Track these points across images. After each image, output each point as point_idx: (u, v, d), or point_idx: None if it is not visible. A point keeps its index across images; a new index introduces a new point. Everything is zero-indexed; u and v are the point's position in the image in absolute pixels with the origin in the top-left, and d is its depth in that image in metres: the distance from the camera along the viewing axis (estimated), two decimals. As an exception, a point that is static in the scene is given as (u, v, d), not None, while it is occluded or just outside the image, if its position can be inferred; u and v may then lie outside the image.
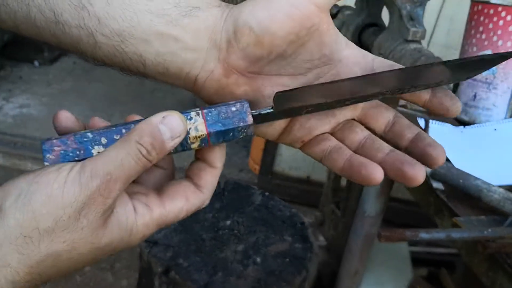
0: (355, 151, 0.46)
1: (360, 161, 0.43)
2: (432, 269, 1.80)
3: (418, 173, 0.42)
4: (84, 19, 0.43)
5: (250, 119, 0.44)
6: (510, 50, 1.34)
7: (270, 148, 2.36)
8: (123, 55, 0.44)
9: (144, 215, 0.42)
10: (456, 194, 1.11)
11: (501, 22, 1.34)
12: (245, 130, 0.44)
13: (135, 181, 0.45)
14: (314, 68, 0.46)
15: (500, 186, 1.11)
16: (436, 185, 1.13)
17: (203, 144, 0.43)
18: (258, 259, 1.08)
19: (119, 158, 0.40)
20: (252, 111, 0.44)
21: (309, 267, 1.09)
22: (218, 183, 1.26)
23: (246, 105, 0.44)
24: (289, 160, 2.38)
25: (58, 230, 0.38)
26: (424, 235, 0.88)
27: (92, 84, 3.18)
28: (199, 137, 0.43)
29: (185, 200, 0.45)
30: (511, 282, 0.93)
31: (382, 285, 1.69)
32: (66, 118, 0.46)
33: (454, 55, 1.81)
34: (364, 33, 1.55)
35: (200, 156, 0.46)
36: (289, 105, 0.44)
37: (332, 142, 0.46)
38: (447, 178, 1.12)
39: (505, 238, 0.93)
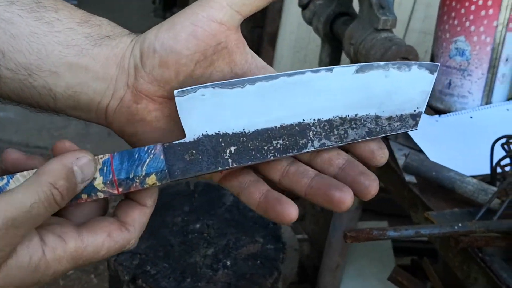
0: (279, 180, 0.44)
1: (275, 196, 0.42)
2: (415, 258, 1.78)
3: (345, 196, 0.40)
4: None
5: (158, 145, 0.42)
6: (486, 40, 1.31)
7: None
8: (31, 90, 0.42)
9: (56, 248, 0.39)
10: (429, 186, 1.09)
11: (473, 7, 1.31)
12: (152, 152, 0.41)
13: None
14: None
15: (476, 176, 1.09)
16: (409, 178, 1.11)
17: (105, 169, 0.40)
18: (229, 263, 1.05)
19: (28, 202, 0.36)
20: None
21: (281, 268, 1.06)
22: (188, 184, 1.23)
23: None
24: (270, 154, 2.35)
25: None
26: (391, 233, 0.85)
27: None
28: (101, 158, 0.40)
29: (106, 235, 0.41)
30: (485, 276, 0.91)
31: (364, 277, 1.67)
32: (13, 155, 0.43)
33: (431, 41, 1.77)
34: (335, 23, 1.52)
35: (129, 194, 0.44)
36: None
37: (252, 176, 0.45)
38: (420, 170, 1.09)
39: (476, 232, 0.90)
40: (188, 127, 0.42)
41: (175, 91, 0.42)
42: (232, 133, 0.42)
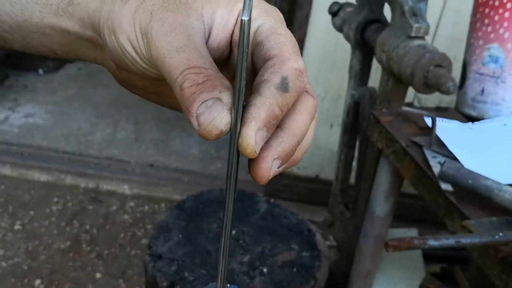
0: None
1: None
2: (445, 266, 1.77)
3: None
4: None
5: None
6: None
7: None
8: (34, 47, 0.43)
9: None
10: (466, 195, 1.09)
11: (507, 14, 1.30)
12: None
13: None
14: None
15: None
16: (445, 186, 1.10)
17: None
18: (265, 270, 1.06)
19: None
20: None
21: (318, 275, 1.06)
22: (222, 190, 1.24)
23: None
24: (297, 159, 2.35)
25: None
26: (432, 242, 0.85)
27: (97, 89, 3.17)
28: None
29: None
30: (525, 286, 0.91)
31: (394, 284, 1.66)
32: None
33: (461, 47, 1.77)
34: (366, 30, 1.52)
35: None
36: None
37: None
38: (456, 178, 1.09)
39: (517, 242, 0.89)
40: None
41: None
42: None
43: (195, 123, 0.32)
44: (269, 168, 0.33)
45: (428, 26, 1.33)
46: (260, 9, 0.37)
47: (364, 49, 1.55)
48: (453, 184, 1.11)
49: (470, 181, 1.07)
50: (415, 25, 1.32)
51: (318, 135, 2.30)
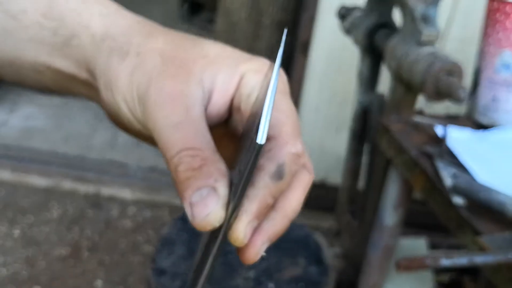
0: None
1: None
2: (454, 275, 1.74)
3: None
4: None
5: None
6: None
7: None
8: (28, 83, 0.42)
9: None
10: (478, 208, 1.05)
11: (519, 20, 1.27)
12: None
13: None
14: None
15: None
16: (457, 199, 1.07)
17: None
18: (271, 286, 1.02)
19: None
20: None
21: (325, 292, 1.03)
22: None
23: None
24: (301, 164, 2.32)
25: None
26: (445, 261, 0.82)
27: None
28: None
29: None
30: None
31: (402, 295, 1.63)
32: None
33: (471, 50, 1.73)
34: (375, 35, 1.48)
35: None
36: None
37: None
38: (468, 192, 1.06)
39: (535, 261, 0.86)
40: None
41: None
42: None
43: (189, 212, 0.31)
44: (257, 252, 0.32)
45: (439, 32, 1.30)
46: (263, 75, 0.35)
47: (373, 54, 1.52)
48: (465, 197, 1.07)
49: (483, 195, 1.04)
50: (426, 32, 1.28)
51: (324, 139, 2.27)
